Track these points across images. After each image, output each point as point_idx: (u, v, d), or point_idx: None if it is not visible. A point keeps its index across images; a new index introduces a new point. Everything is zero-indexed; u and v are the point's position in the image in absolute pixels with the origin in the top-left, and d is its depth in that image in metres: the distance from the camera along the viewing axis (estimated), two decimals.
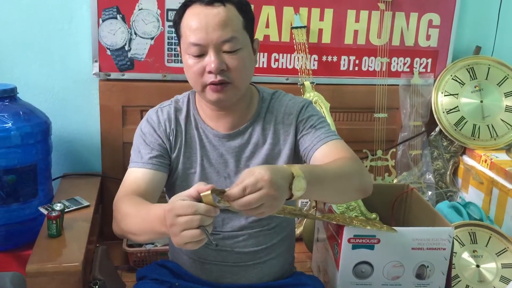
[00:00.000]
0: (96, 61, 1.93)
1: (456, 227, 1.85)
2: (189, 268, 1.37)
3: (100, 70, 1.94)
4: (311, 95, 1.98)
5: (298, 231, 2.00)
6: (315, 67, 2.12)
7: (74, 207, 1.62)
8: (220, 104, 1.26)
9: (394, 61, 2.20)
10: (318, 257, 1.75)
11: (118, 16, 1.91)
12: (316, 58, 2.12)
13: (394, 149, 2.24)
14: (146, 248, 1.85)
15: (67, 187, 1.83)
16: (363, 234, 1.42)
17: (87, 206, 1.65)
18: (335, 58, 2.14)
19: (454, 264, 1.75)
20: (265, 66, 2.08)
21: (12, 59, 1.91)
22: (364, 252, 1.44)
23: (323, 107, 1.93)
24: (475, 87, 2.21)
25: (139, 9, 1.92)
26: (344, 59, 2.15)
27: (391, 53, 2.17)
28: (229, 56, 1.20)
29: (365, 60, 2.17)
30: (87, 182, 1.90)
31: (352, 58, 2.15)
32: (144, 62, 1.97)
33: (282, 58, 2.08)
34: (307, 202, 2.08)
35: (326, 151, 1.26)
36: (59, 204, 1.51)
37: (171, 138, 1.32)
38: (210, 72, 1.19)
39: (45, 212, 1.48)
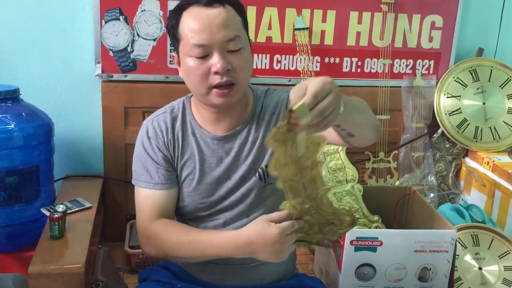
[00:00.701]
0: (98, 62, 1.94)
1: (459, 230, 1.85)
2: (191, 270, 1.37)
3: (102, 71, 1.94)
4: None
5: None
6: (318, 69, 2.12)
7: (76, 209, 1.62)
8: (223, 107, 1.26)
9: (397, 63, 2.20)
10: (320, 259, 1.75)
11: (120, 17, 1.91)
12: (319, 60, 2.12)
13: (396, 151, 2.24)
14: None
15: (69, 189, 1.83)
16: (366, 236, 1.42)
17: (89, 208, 1.65)
18: (337, 60, 2.14)
19: (456, 266, 1.75)
20: (267, 67, 2.08)
21: (15, 60, 1.92)
22: (367, 254, 1.44)
23: None
24: (477, 89, 2.20)
25: (142, 11, 1.92)
26: (347, 61, 2.15)
27: (393, 54, 2.17)
28: (233, 56, 1.20)
29: (368, 61, 2.17)
30: (89, 183, 1.91)
31: (355, 59, 2.15)
32: (146, 64, 1.97)
33: (285, 59, 2.09)
34: None
35: None
36: (61, 206, 1.51)
37: (170, 148, 1.32)
38: (216, 73, 1.19)
39: (47, 213, 1.48)
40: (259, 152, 1.32)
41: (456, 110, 2.19)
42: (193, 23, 1.19)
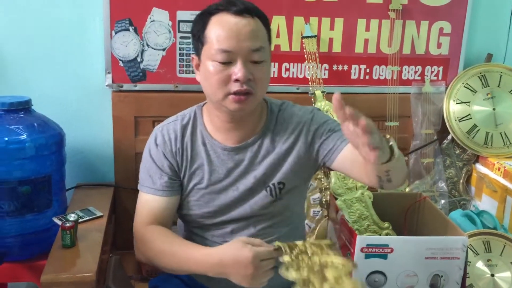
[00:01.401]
0: (109, 73, 1.96)
1: (470, 236, 1.84)
2: (199, 278, 1.38)
3: (112, 82, 1.96)
4: (322, 104, 1.98)
5: (310, 240, 1.99)
6: (326, 76, 2.12)
7: (88, 218, 1.63)
8: (237, 114, 1.26)
9: (405, 70, 2.20)
10: None
11: (130, 28, 1.93)
12: (327, 67, 2.12)
13: (406, 158, 2.23)
14: None
15: (80, 198, 1.84)
16: (376, 243, 1.42)
17: (101, 217, 1.66)
18: (345, 67, 2.14)
19: (468, 273, 1.74)
20: (276, 75, 2.08)
21: (27, 72, 1.94)
22: (377, 261, 1.44)
23: (334, 116, 1.93)
24: (487, 94, 2.19)
25: (151, 21, 1.94)
26: (355, 68, 2.15)
27: (402, 61, 2.17)
28: (255, 67, 1.22)
29: (376, 68, 2.17)
30: (100, 192, 1.92)
31: (363, 66, 2.16)
32: (156, 73, 1.99)
33: (293, 67, 2.09)
34: (319, 211, 2.07)
35: (352, 148, 1.26)
36: (73, 215, 1.53)
37: (177, 157, 1.32)
38: (236, 81, 1.20)
39: (59, 222, 1.49)
40: (271, 167, 1.32)
41: (466, 116, 2.18)
42: (221, 28, 1.20)
